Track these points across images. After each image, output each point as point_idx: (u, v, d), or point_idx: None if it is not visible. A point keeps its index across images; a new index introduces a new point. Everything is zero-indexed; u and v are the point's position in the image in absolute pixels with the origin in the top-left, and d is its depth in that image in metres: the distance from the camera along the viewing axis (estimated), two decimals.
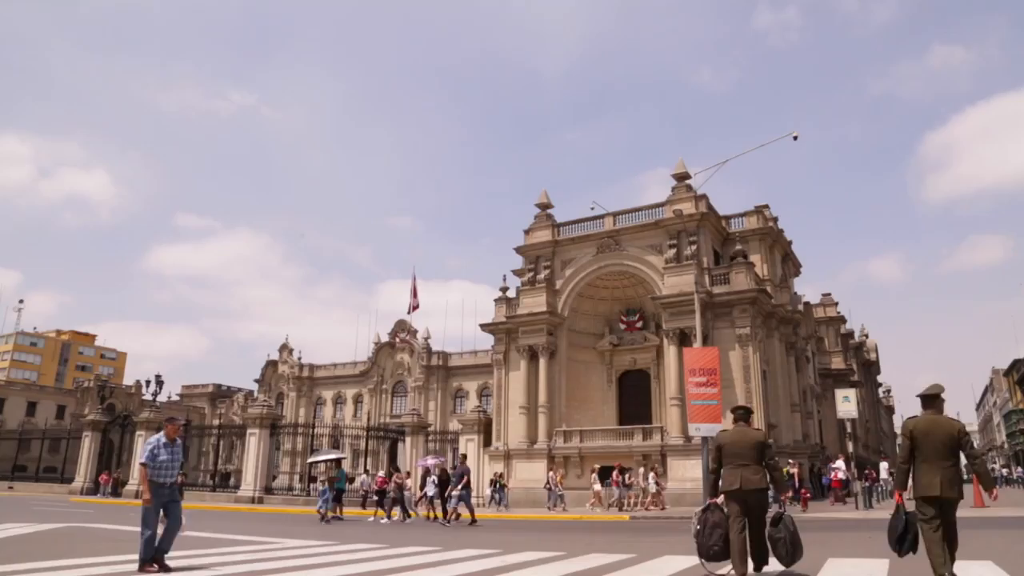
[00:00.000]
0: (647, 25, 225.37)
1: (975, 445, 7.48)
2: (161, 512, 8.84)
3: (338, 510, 24.33)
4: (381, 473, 25.37)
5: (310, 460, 37.05)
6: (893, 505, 7.18)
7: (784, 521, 8.01)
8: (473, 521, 20.43)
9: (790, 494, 26.69)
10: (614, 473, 29.50)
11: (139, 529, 8.70)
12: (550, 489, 29.84)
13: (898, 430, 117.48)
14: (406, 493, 24.08)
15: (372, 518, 24.07)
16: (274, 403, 57.97)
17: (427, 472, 25.63)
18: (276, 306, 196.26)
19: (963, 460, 7.22)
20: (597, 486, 29.08)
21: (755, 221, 40.46)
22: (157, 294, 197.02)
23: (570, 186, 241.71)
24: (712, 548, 8.03)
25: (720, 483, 8.07)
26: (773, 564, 7.97)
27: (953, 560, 6.79)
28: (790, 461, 31.57)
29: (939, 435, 7.00)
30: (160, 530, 8.77)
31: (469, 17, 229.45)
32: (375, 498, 25.50)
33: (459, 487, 21.03)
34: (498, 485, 30.32)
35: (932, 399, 7.52)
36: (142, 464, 8.77)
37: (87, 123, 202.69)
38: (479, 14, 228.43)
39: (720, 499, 8.16)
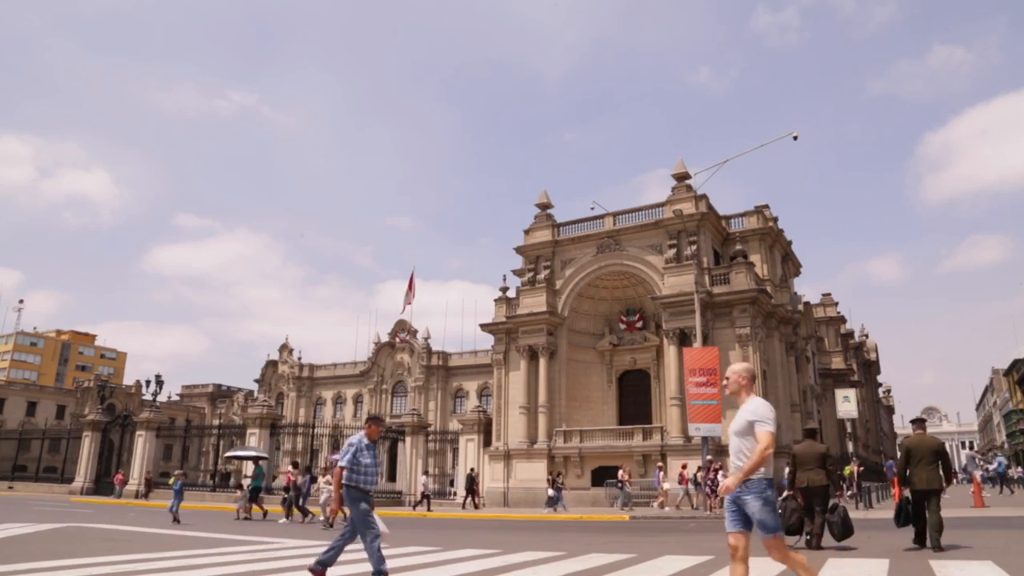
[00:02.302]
0: (646, 27, 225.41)
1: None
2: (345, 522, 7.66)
3: (250, 508, 23.07)
4: (291, 469, 23.62)
5: (228, 454, 35.39)
6: (893, 504, 11.00)
7: (838, 509, 11.30)
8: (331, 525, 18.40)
9: (851, 491, 27.97)
10: (684, 471, 28.86)
11: (140, 528, 8.48)
12: (559, 489, 29.11)
13: (898, 430, 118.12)
14: (304, 489, 22.76)
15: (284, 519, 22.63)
16: (274, 403, 58.00)
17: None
18: (276, 306, 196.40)
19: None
20: (667, 484, 28.21)
21: (755, 221, 40.44)
22: (157, 294, 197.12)
23: (570, 186, 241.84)
24: (790, 525, 11.08)
25: (796, 481, 11.38)
26: (828, 540, 11.13)
27: (940, 532, 10.13)
28: (855, 460, 31.59)
29: (925, 447, 10.57)
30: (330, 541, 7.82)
31: (469, 18, 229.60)
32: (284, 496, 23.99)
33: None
34: (557, 485, 29.26)
35: (920, 422, 11.23)
36: (341, 467, 7.64)
37: (87, 123, 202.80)
38: (479, 15, 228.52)
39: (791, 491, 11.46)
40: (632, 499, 28.60)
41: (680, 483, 28.23)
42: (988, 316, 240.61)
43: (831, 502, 11.40)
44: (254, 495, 23.33)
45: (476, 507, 31.55)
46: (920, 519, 10.49)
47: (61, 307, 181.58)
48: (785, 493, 11.51)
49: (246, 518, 22.34)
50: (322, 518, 19.63)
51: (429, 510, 30.03)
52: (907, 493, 10.74)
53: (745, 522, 5.24)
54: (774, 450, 5.20)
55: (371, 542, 7.46)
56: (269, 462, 30.04)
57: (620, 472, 29.06)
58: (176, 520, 18.57)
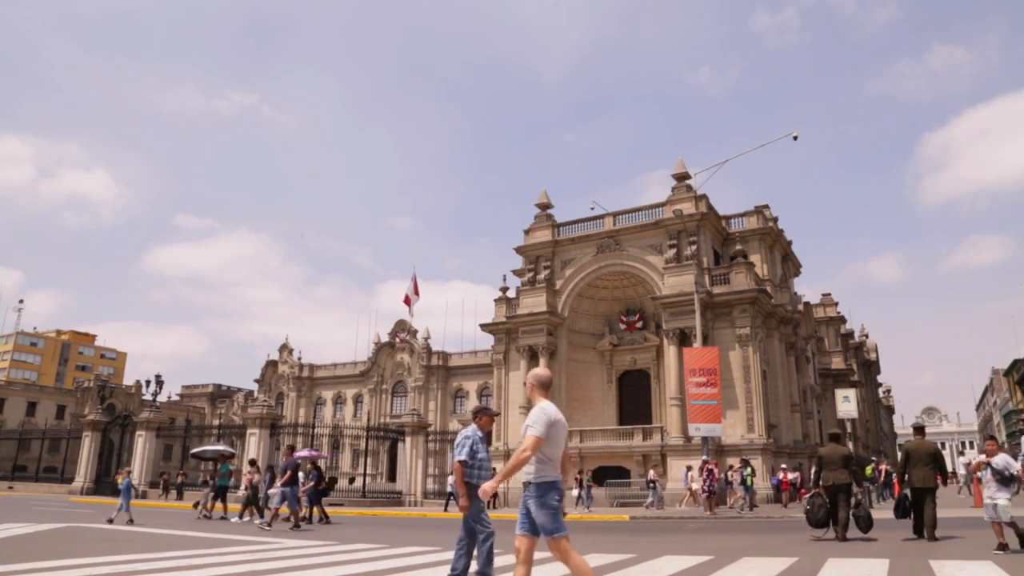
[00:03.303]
0: (646, 27, 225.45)
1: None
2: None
3: (211, 507, 22.33)
4: (249, 468, 22.92)
5: (193, 452, 34.06)
6: (891, 503, 12.28)
7: (862, 504, 12.86)
8: (296, 526, 17.88)
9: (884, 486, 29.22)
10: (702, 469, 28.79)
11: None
12: (588, 488, 28.75)
13: (898, 430, 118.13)
14: (270, 491, 21.38)
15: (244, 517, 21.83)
16: (274, 403, 57.92)
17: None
18: (276, 306, 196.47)
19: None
20: (695, 484, 27.39)
21: (755, 221, 40.44)
22: (157, 294, 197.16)
23: (570, 186, 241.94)
24: (818, 519, 12.51)
25: (822, 480, 12.62)
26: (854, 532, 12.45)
27: (934, 526, 11.62)
28: (885, 458, 31.54)
29: (923, 451, 12.11)
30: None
31: (469, 18, 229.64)
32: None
33: (280, 483, 18.53)
34: (585, 484, 29.10)
35: (920, 429, 13.08)
36: (460, 462, 7.12)
37: (88, 124, 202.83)
38: (479, 16, 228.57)
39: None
40: (663, 500, 28.08)
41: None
42: (988, 316, 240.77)
43: (855, 499, 12.69)
44: (220, 493, 22.68)
45: (494, 507, 31.49)
46: (918, 513, 11.93)
47: (61, 307, 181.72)
48: (812, 491, 12.86)
49: (206, 516, 21.60)
50: (264, 518, 18.50)
51: (447, 510, 29.67)
52: (907, 490, 12.27)
53: (532, 526, 5.43)
54: (532, 452, 5.35)
55: (484, 541, 7.10)
56: (238, 459, 29.19)
57: (651, 472, 28.46)
58: (129, 520, 17.69)
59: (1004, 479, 9.91)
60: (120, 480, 20.12)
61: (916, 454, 11.93)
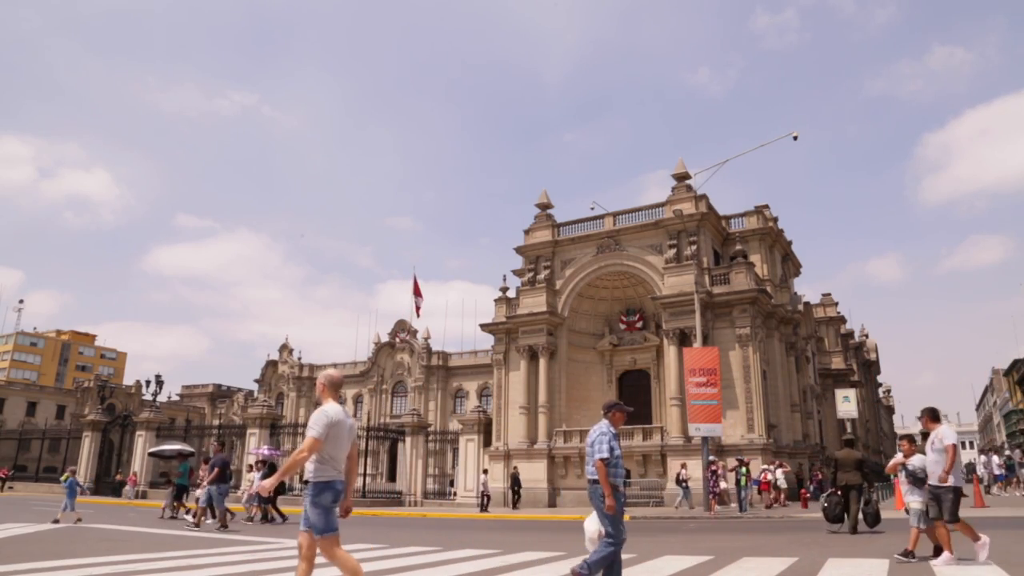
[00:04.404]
0: (646, 28, 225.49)
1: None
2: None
3: (178, 507, 21.86)
4: (204, 465, 22.71)
5: (151, 451, 33.41)
6: (895, 504, 13.58)
7: (871, 503, 14.60)
8: (223, 525, 17.04)
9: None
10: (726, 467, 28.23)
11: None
12: (686, 485, 28.08)
13: (898, 430, 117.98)
14: (197, 492, 20.89)
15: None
16: (274, 403, 57.92)
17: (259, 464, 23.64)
18: (276, 306, 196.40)
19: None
20: (724, 484, 26.77)
21: (755, 221, 40.43)
22: (157, 294, 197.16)
23: (570, 187, 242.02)
24: (834, 515, 14.47)
25: (837, 480, 14.41)
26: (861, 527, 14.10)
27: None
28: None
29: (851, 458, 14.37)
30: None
31: (469, 19, 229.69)
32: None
33: (206, 481, 17.73)
34: (685, 484, 27.92)
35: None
36: (602, 460, 6.73)
37: (88, 124, 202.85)
38: (479, 16, 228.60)
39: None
40: (691, 500, 27.61)
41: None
42: (988, 316, 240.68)
43: (864, 497, 14.24)
44: (180, 493, 22.20)
45: (514, 507, 31.46)
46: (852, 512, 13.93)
47: (61, 307, 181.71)
48: (828, 491, 14.90)
49: (172, 517, 21.12)
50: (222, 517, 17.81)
51: (486, 510, 29.47)
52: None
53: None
54: (308, 453, 5.41)
55: (604, 547, 6.69)
56: (197, 457, 28.48)
57: (682, 471, 28.03)
58: (78, 519, 17.17)
59: (917, 480, 9.60)
60: (64, 479, 19.29)
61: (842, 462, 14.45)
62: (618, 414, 7.11)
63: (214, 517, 18.26)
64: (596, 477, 6.86)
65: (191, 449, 29.80)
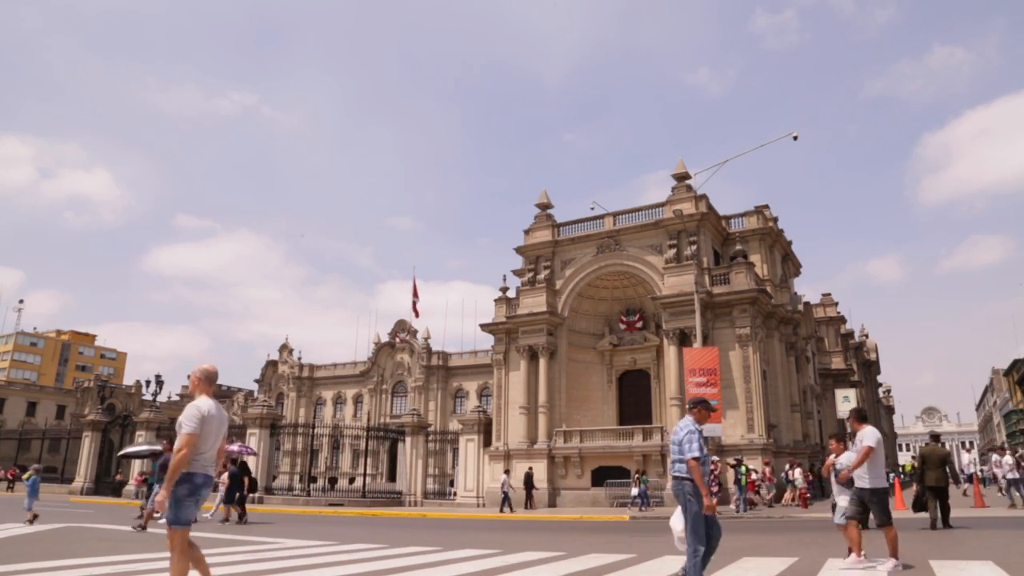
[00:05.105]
0: (646, 28, 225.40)
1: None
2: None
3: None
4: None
5: (120, 453, 32.53)
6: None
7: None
8: (142, 527, 16.62)
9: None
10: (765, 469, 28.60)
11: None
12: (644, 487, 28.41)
13: (898, 430, 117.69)
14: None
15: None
16: (274, 403, 57.94)
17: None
18: (276, 306, 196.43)
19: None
20: (716, 487, 25.62)
21: (755, 221, 40.40)
22: (157, 294, 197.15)
23: (570, 187, 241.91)
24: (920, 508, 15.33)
25: (925, 478, 14.77)
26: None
27: (947, 515, 14.51)
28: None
29: (936, 455, 14.79)
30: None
31: (469, 19, 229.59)
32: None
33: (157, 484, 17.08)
34: (642, 483, 29.07)
35: (935, 437, 15.87)
36: (695, 459, 6.59)
37: (88, 124, 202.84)
38: (479, 17, 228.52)
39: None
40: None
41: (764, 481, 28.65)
42: (988, 316, 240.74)
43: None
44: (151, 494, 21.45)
45: (529, 507, 31.41)
46: (934, 508, 14.36)
47: (61, 307, 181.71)
48: (916, 488, 15.58)
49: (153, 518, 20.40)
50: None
51: (511, 510, 29.34)
52: (922, 489, 14.65)
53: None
54: (187, 449, 5.51)
55: (696, 553, 6.53)
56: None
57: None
58: (33, 518, 16.70)
59: (845, 480, 9.43)
60: (26, 477, 18.55)
61: (931, 458, 14.66)
62: (703, 411, 7.03)
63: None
64: (683, 475, 6.71)
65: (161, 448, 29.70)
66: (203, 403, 5.77)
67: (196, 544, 5.81)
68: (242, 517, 20.11)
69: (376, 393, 74.20)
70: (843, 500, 9.40)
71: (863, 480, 8.97)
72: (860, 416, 9.71)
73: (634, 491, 28.76)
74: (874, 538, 13.17)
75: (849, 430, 10.41)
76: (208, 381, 5.96)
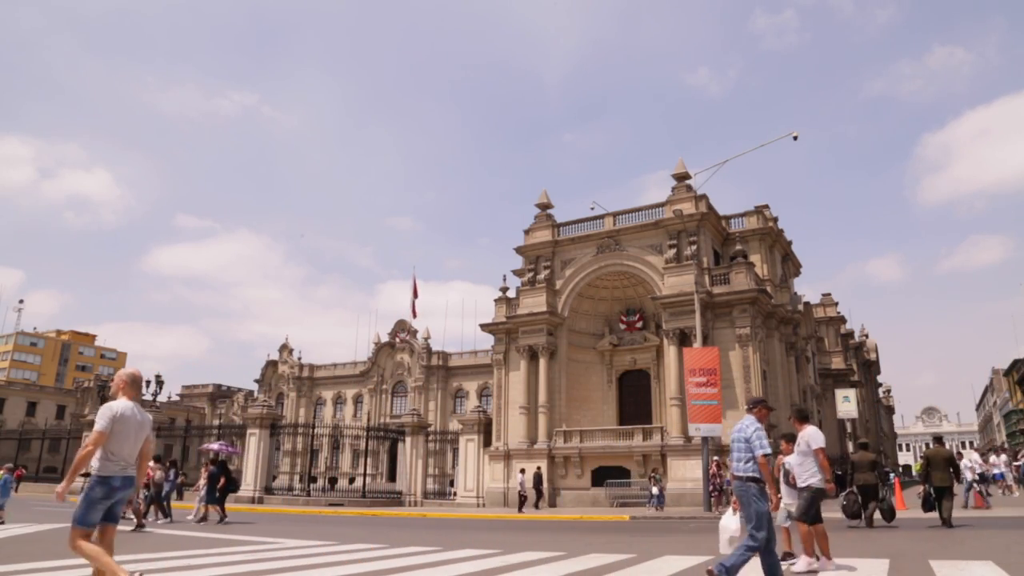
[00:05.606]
0: (645, 28, 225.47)
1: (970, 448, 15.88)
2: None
3: (144, 512, 20.45)
4: (152, 464, 20.80)
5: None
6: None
7: (886, 500, 16.22)
8: (139, 526, 16.90)
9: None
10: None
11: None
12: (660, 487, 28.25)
13: (898, 430, 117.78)
14: (166, 487, 20.84)
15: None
16: (274, 403, 57.94)
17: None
18: (276, 306, 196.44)
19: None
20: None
21: (755, 221, 40.40)
22: (157, 294, 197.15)
23: (570, 187, 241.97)
24: (852, 512, 15.76)
25: (854, 480, 15.96)
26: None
27: (950, 514, 14.79)
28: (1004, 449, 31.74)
29: (940, 457, 15.36)
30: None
31: (470, 20, 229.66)
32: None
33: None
34: (658, 483, 28.80)
35: (939, 439, 16.83)
36: (765, 456, 6.61)
37: (88, 124, 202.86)
38: (479, 17, 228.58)
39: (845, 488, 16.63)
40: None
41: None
42: (988, 316, 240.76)
43: (880, 494, 15.87)
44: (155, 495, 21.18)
45: (537, 507, 31.38)
46: (940, 507, 15.04)
47: (62, 307, 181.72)
48: (847, 490, 16.22)
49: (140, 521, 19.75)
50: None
51: (536, 508, 29.23)
52: (929, 489, 15.31)
53: (107, 515, 5.87)
54: (93, 447, 5.67)
55: (745, 551, 6.44)
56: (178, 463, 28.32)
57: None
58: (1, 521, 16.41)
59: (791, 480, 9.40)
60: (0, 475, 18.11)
61: (935, 459, 15.27)
62: (763, 410, 7.04)
63: (165, 516, 19.68)
64: (746, 474, 6.69)
65: (156, 453, 29.54)
66: (118, 404, 5.81)
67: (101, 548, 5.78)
68: (222, 518, 19.97)
69: (376, 393, 74.21)
70: (790, 499, 9.31)
71: (814, 478, 8.90)
72: (802, 416, 9.50)
73: (654, 490, 28.45)
74: (883, 534, 13.20)
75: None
76: (133, 385, 6.04)
